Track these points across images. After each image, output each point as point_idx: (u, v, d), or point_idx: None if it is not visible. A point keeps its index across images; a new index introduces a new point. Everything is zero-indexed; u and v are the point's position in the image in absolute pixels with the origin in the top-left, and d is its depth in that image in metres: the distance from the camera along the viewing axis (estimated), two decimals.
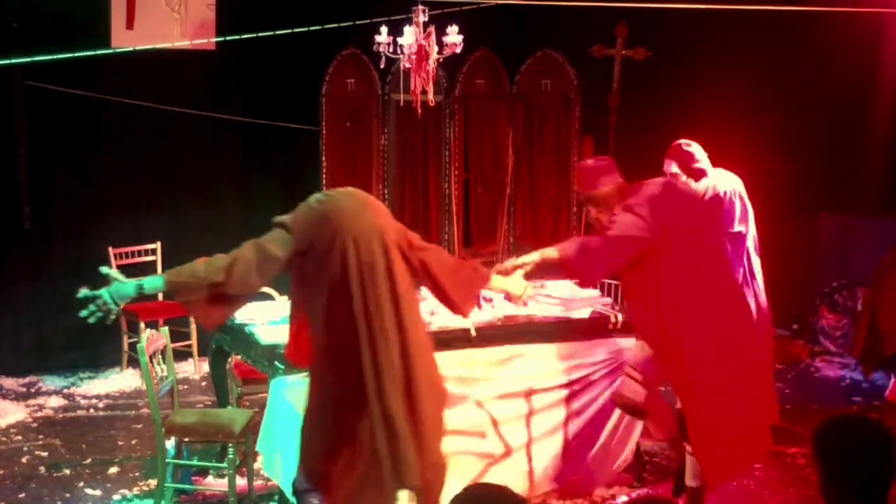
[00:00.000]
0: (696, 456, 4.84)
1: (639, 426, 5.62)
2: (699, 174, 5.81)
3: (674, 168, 5.81)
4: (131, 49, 6.99)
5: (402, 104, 7.84)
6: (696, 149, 5.85)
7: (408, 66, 5.89)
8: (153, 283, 4.18)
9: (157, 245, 7.61)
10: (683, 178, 5.77)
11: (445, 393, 4.42)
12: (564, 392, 5.40)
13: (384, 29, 5.92)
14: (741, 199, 5.80)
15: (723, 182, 5.83)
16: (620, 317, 5.54)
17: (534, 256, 4.78)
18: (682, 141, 5.90)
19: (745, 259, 5.78)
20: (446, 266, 4.44)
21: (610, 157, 5.08)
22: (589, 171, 4.88)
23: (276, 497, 5.21)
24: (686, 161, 5.81)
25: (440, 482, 4.26)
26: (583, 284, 5.13)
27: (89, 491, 5.59)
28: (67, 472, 5.87)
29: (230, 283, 4.03)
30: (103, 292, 4.12)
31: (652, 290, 4.68)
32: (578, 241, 4.90)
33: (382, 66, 6.16)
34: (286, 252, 4.10)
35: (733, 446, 4.72)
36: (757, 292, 5.75)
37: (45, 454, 6.14)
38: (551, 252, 4.77)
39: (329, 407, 4.22)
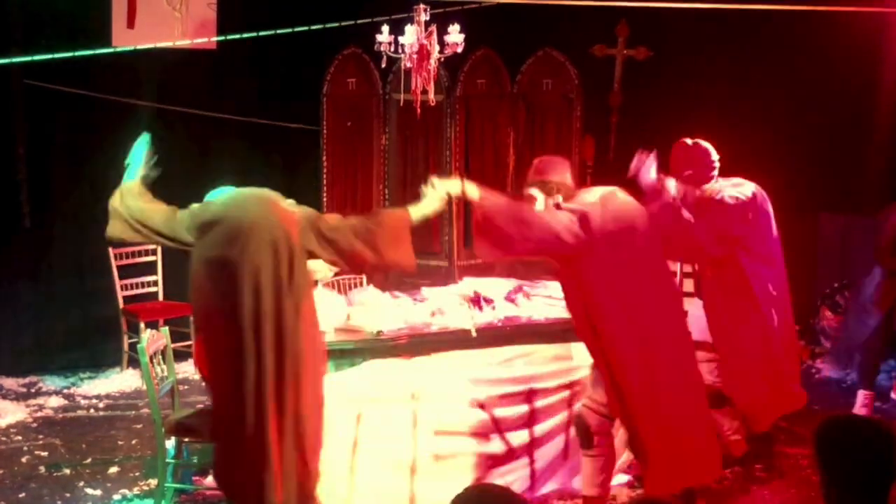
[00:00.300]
0: (639, 463, 4.79)
1: None
2: (700, 178, 5.51)
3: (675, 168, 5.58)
4: (132, 48, 6.98)
5: (402, 104, 7.84)
6: (697, 153, 5.55)
7: (409, 65, 5.88)
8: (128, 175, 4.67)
9: (157, 245, 7.60)
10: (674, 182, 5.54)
11: (323, 405, 4.44)
12: (566, 393, 5.40)
13: (385, 28, 5.90)
14: (742, 206, 5.47)
15: (730, 189, 5.52)
16: None
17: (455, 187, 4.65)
18: (686, 141, 5.63)
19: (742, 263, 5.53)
20: (362, 233, 4.40)
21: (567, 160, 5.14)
22: (551, 161, 4.90)
23: None
24: (682, 163, 5.54)
25: (312, 493, 4.37)
26: (485, 248, 4.66)
27: (89, 491, 5.58)
28: (67, 472, 5.86)
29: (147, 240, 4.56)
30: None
31: (580, 293, 4.66)
32: (514, 204, 4.68)
33: (383, 65, 6.15)
34: (188, 236, 4.33)
35: (676, 459, 4.62)
36: (764, 298, 5.49)
37: (45, 454, 6.14)
38: (473, 191, 4.60)
39: (225, 416, 4.29)
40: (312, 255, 4.36)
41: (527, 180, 4.84)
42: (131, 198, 4.49)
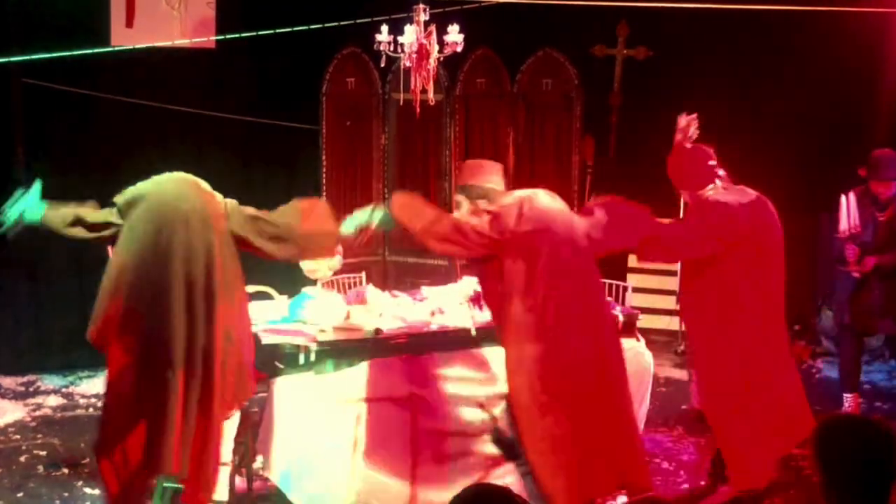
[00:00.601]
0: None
1: (640, 427, 5.60)
2: (700, 181, 5.26)
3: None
4: (131, 47, 6.97)
5: (402, 103, 7.83)
6: (697, 156, 5.31)
7: (408, 64, 5.87)
8: (32, 216, 4.54)
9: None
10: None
11: (246, 377, 4.58)
12: None
13: (385, 28, 5.90)
14: (723, 206, 5.15)
15: (725, 193, 5.24)
16: (621, 317, 5.53)
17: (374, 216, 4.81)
18: (686, 144, 5.37)
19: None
20: (278, 229, 4.59)
21: (501, 164, 5.09)
22: (475, 165, 4.95)
23: (276, 497, 5.19)
24: (681, 167, 5.33)
25: (213, 477, 4.51)
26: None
27: (88, 490, 5.57)
28: (66, 471, 5.85)
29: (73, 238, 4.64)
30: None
31: (498, 290, 4.66)
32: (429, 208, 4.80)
33: (383, 64, 6.14)
34: (114, 227, 4.53)
35: (570, 469, 4.54)
36: (749, 313, 5.12)
37: (43, 453, 6.13)
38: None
39: (123, 390, 4.45)
40: (243, 241, 4.54)
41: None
42: (55, 216, 4.60)
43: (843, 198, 6.43)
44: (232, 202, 4.62)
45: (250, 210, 4.63)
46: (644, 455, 4.86)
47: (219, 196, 4.60)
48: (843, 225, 6.38)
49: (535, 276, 4.57)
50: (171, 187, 4.49)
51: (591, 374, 4.60)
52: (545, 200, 4.75)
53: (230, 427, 4.67)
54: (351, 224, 4.81)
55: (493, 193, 4.80)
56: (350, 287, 6.87)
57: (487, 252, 4.63)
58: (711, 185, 5.26)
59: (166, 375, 4.33)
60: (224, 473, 4.71)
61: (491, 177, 4.88)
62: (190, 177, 4.59)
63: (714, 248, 5.10)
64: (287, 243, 4.64)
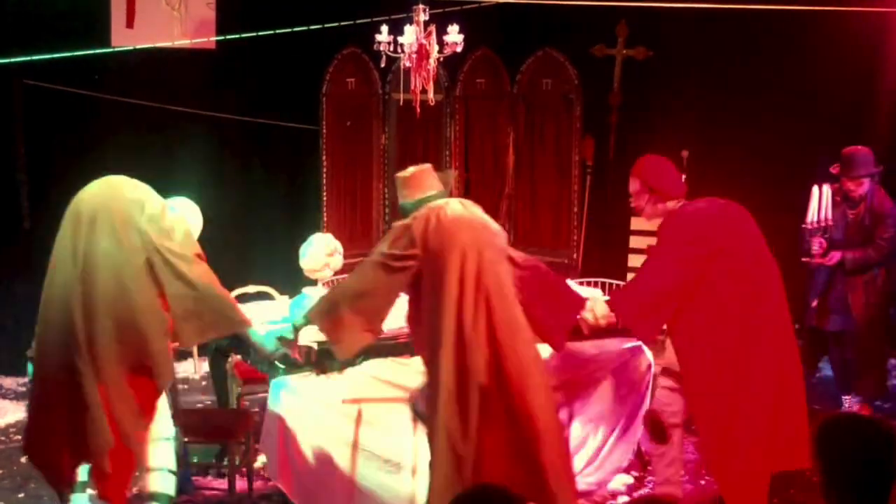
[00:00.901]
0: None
1: (640, 427, 5.61)
2: (668, 193, 5.01)
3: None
4: (131, 48, 6.98)
5: (402, 103, 7.83)
6: (663, 167, 5.09)
7: (408, 65, 5.88)
8: None
9: None
10: None
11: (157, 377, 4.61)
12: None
13: (385, 28, 5.90)
14: (692, 213, 4.92)
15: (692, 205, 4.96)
16: None
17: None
18: (654, 155, 5.18)
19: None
20: (189, 280, 4.61)
21: (430, 166, 4.85)
22: (413, 180, 4.74)
23: (276, 497, 5.20)
24: (648, 177, 5.05)
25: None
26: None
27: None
28: None
29: None
30: None
31: (415, 308, 4.62)
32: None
33: (383, 65, 6.14)
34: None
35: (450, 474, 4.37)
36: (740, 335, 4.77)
37: None
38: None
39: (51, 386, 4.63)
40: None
41: None
42: None
43: (814, 189, 6.28)
44: (158, 230, 4.62)
45: (188, 251, 4.62)
46: (570, 472, 4.64)
47: (145, 203, 4.62)
48: (812, 216, 6.26)
49: (450, 290, 4.39)
50: (86, 191, 4.67)
51: (512, 388, 4.41)
52: (456, 209, 4.57)
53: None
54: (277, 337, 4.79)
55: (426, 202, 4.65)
56: None
57: (413, 270, 4.50)
58: (678, 199, 5.04)
59: (71, 368, 4.49)
60: (165, 447, 4.81)
61: (423, 189, 4.70)
62: (112, 178, 4.70)
63: (693, 265, 4.77)
64: (185, 289, 4.57)
